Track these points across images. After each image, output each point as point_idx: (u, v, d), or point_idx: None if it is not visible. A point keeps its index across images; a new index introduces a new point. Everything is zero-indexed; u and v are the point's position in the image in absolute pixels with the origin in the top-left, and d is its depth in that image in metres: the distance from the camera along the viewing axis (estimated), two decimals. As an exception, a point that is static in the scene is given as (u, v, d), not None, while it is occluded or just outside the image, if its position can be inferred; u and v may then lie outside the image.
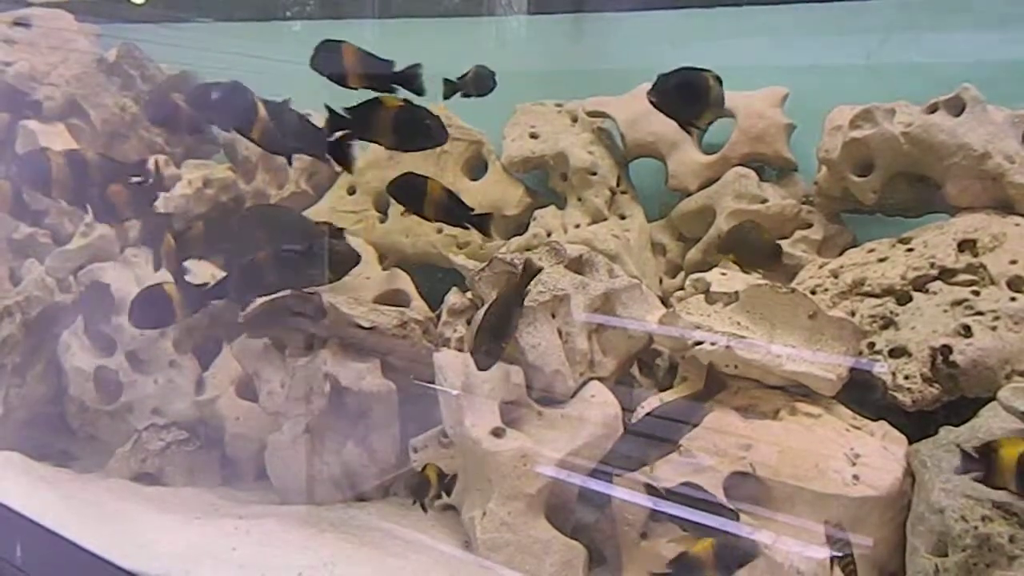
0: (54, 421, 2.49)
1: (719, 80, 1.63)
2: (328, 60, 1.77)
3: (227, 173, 2.67)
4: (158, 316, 2.16)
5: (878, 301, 1.86)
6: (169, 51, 2.99)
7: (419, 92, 1.78)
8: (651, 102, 1.62)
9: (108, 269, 2.36)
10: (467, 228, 2.05)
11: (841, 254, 2.06)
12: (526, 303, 1.83)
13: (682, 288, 2.21)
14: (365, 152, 2.68)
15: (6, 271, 2.56)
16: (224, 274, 2.23)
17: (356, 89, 1.79)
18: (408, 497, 2.04)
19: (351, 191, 2.60)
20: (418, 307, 2.32)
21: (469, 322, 2.14)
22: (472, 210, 1.95)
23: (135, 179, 2.23)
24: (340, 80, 1.77)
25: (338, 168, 2.07)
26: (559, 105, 2.56)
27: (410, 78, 1.77)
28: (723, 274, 1.92)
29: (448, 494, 1.88)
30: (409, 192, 1.98)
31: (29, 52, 2.77)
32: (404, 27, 3.03)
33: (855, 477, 1.56)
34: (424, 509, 1.82)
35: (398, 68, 1.78)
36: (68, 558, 1.78)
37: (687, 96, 1.63)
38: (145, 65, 2.86)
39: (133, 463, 2.24)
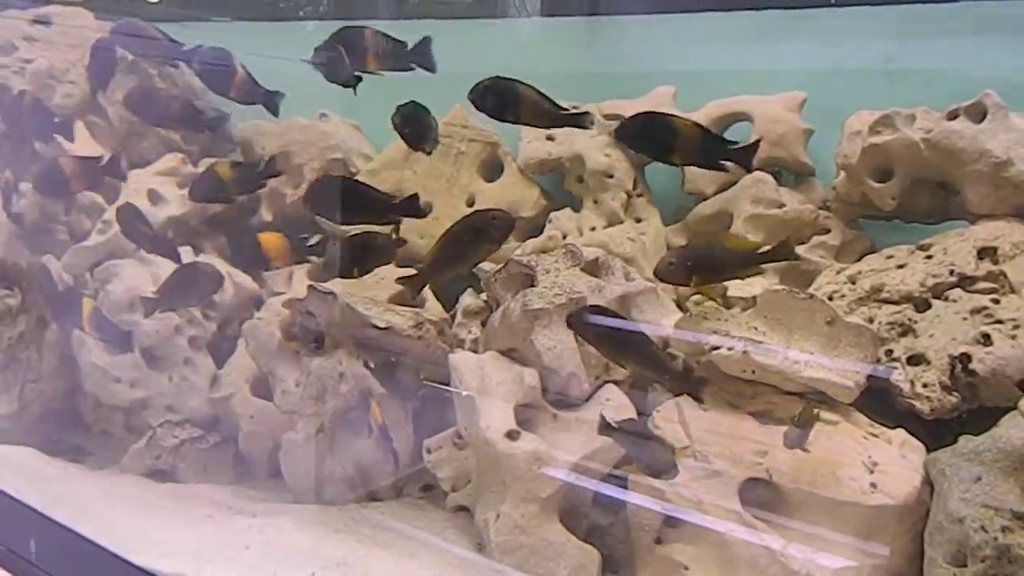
0: (68, 417, 2.50)
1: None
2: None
3: (243, 171, 2.68)
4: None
5: (896, 308, 1.85)
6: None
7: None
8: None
9: (125, 266, 2.37)
10: None
11: (859, 260, 2.05)
12: (542, 305, 1.83)
13: (698, 292, 2.20)
14: (380, 152, 2.69)
15: (24, 267, 2.57)
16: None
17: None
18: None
19: (366, 191, 2.60)
20: (433, 308, 2.33)
21: (484, 323, 2.14)
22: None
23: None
24: None
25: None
26: (575, 107, 2.56)
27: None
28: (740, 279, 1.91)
29: None
30: None
31: (49, 50, 2.79)
32: (417, 28, 3.02)
33: (872, 485, 1.54)
34: None
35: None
36: (81, 554, 1.79)
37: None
38: (162, 63, 2.87)
39: (147, 459, 2.24)
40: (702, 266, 1.73)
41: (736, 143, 1.67)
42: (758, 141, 1.71)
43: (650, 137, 1.64)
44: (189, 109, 2.41)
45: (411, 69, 1.84)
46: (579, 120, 1.74)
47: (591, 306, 1.78)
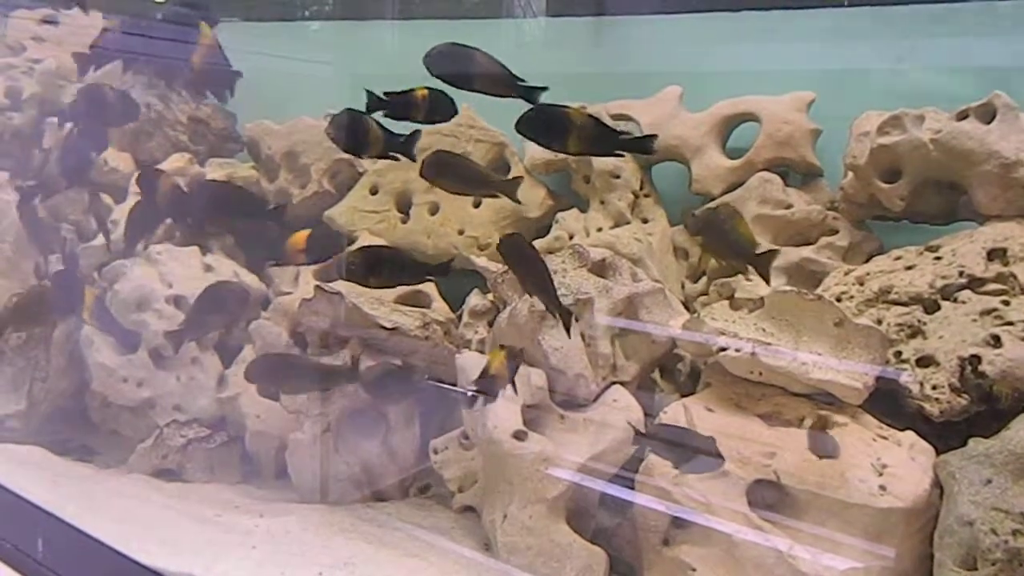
0: (76, 416, 2.51)
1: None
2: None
3: (251, 172, 2.69)
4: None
5: (905, 309, 1.84)
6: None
7: None
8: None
9: (132, 265, 2.38)
10: None
11: (867, 261, 2.04)
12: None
13: (705, 293, 2.20)
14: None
15: (32, 266, 2.58)
16: None
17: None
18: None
19: (373, 191, 2.61)
20: (439, 308, 2.33)
21: (490, 324, 2.14)
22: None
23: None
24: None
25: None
26: (582, 108, 2.55)
27: None
28: (748, 280, 1.91)
29: None
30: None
31: (57, 50, 2.80)
32: (422, 28, 3.03)
33: (881, 487, 1.54)
34: None
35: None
36: (89, 553, 1.79)
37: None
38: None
39: (154, 459, 2.25)
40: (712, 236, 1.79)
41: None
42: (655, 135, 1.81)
43: (547, 129, 1.67)
44: (121, 98, 2.39)
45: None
46: (532, 94, 1.72)
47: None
